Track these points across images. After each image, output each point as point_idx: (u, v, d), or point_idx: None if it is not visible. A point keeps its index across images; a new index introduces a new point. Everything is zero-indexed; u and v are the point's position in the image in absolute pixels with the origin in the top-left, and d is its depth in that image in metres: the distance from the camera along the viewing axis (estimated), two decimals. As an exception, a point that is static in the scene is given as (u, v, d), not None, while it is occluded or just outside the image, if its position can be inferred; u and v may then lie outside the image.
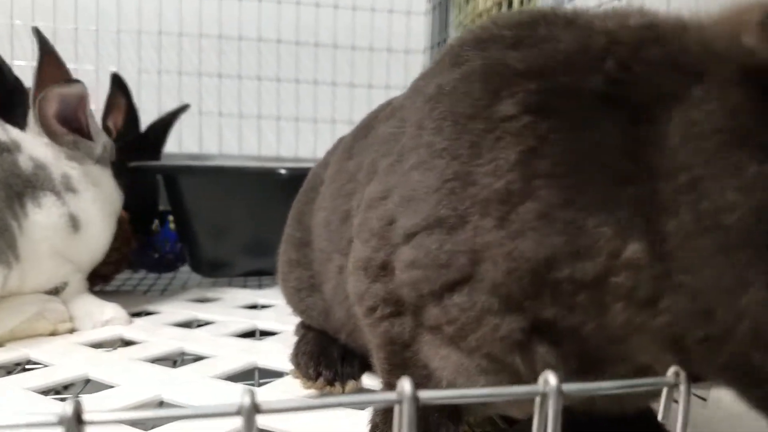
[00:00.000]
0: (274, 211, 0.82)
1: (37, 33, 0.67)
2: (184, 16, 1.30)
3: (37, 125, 0.66)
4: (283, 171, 0.74)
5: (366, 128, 0.43)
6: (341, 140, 0.51)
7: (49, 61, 0.66)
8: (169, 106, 1.22)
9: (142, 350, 0.57)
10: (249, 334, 0.65)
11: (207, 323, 0.68)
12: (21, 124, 0.67)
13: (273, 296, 0.80)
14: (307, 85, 1.46)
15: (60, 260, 0.63)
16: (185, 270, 0.99)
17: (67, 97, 0.67)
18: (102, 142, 0.72)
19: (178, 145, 1.26)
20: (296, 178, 0.73)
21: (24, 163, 0.61)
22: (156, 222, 0.95)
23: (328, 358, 0.46)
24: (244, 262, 0.87)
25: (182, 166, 0.84)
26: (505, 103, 0.27)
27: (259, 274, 0.90)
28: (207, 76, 1.33)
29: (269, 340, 0.61)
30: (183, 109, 0.97)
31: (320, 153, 1.48)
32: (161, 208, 0.95)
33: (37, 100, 0.65)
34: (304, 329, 0.52)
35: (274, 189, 0.80)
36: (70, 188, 0.66)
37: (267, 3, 1.36)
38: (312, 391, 0.45)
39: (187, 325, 0.68)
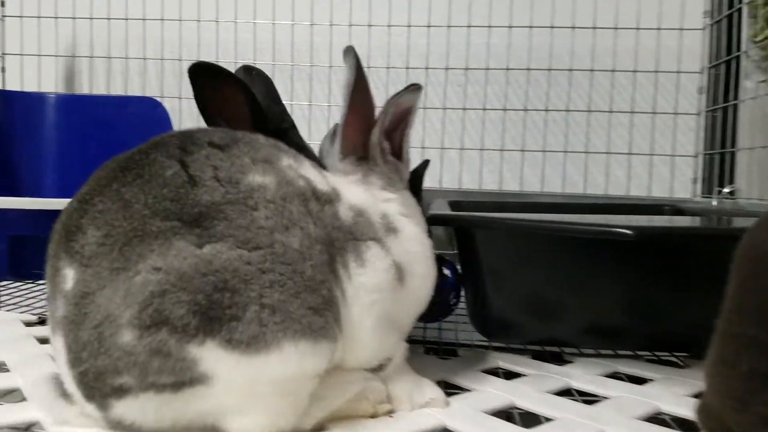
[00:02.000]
0: (586, 274, 0.67)
1: (353, 55, 0.55)
2: (430, 52, 1.33)
3: (339, 161, 0.57)
4: (628, 231, 0.57)
5: None
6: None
7: (360, 86, 0.55)
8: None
9: (490, 460, 0.45)
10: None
11: (533, 416, 0.55)
12: None
13: (579, 378, 0.65)
14: (558, 113, 1.33)
15: (386, 329, 0.52)
16: (448, 324, 0.89)
17: (399, 111, 0.57)
18: (408, 162, 0.61)
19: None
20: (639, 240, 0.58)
21: (344, 213, 0.51)
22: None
23: None
24: (535, 328, 0.73)
25: (479, 219, 0.71)
26: None
27: (547, 343, 0.76)
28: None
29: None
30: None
31: (570, 188, 1.33)
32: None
33: (346, 126, 0.56)
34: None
35: (596, 252, 0.65)
36: (390, 229, 0.54)
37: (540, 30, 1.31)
38: None
39: (508, 415, 0.56)
